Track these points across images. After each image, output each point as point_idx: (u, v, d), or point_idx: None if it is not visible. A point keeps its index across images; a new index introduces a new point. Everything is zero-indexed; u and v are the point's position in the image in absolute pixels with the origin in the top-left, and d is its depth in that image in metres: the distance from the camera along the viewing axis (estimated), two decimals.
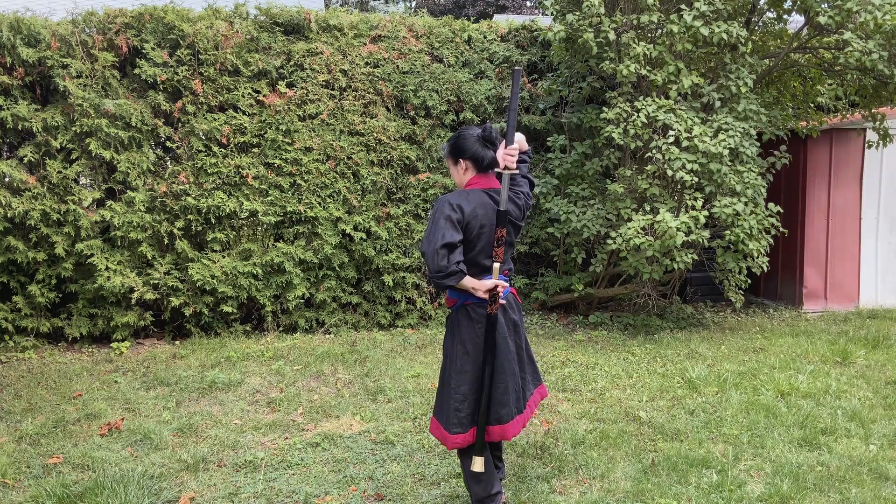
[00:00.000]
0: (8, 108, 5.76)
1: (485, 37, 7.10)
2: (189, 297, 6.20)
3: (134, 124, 5.95)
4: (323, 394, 4.91)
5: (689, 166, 5.72)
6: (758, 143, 6.14)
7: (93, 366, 5.60)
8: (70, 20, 5.95)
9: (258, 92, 6.33)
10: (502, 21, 7.49)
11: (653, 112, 5.89)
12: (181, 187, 6.11)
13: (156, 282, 6.09)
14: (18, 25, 5.75)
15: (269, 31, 6.39)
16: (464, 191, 3.03)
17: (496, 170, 3.08)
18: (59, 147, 5.89)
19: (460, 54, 6.96)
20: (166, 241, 6.18)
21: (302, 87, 6.41)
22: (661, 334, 6.45)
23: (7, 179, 5.84)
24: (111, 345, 6.08)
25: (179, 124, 6.22)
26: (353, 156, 6.51)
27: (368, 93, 6.59)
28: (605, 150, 6.67)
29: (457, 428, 3.01)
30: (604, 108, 6.31)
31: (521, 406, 3.15)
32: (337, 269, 6.53)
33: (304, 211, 6.35)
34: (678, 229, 5.64)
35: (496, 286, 2.96)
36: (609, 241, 6.02)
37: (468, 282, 2.96)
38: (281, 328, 6.53)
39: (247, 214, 6.26)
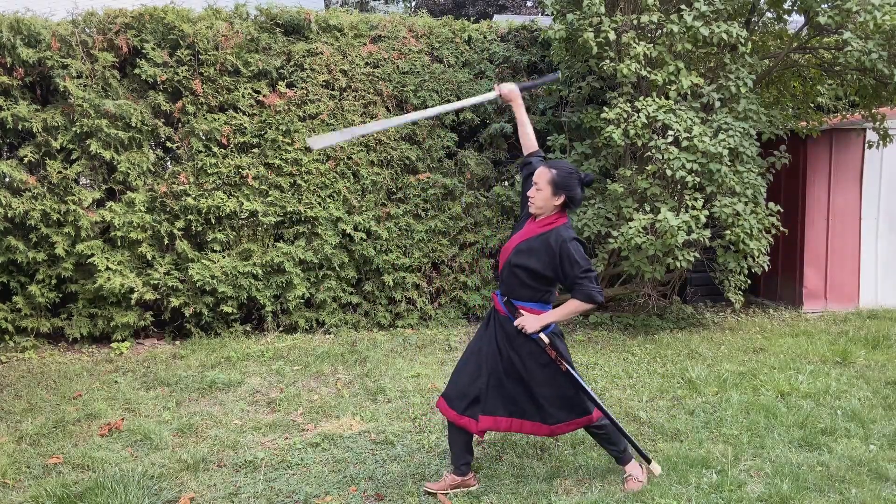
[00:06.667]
0: (8, 109, 5.76)
1: (485, 37, 7.09)
2: (189, 297, 6.21)
3: (134, 124, 5.95)
4: (323, 394, 4.91)
5: (688, 166, 5.72)
6: (758, 143, 6.13)
7: (93, 366, 5.61)
8: (70, 20, 5.95)
9: (258, 92, 6.33)
10: (502, 21, 7.49)
11: (653, 112, 5.89)
12: (181, 187, 6.11)
13: (156, 282, 6.09)
14: (18, 26, 5.75)
15: (269, 32, 6.39)
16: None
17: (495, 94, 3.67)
18: (59, 147, 5.89)
19: (460, 54, 6.96)
20: (166, 242, 6.18)
21: (302, 88, 6.41)
22: (661, 334, 6.45)
23: (7, 179, 5.85)
24: (111, 345, 6.08)
25: (179, 124, 6.22)
26: (353, 156, 6.51)
27: (368, 93, 6.59)
28: (604, 150, 6.66)
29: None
30: (604, 109, 6.31)
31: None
32: (337, 269, 6.53)
33: (304, 211, 6.35)
34: (679, 228, 5.64)
35: None
36: (610, 241, 6.01)
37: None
38: (281, 328, 6.53)
39: (247, 214, 6.26)
